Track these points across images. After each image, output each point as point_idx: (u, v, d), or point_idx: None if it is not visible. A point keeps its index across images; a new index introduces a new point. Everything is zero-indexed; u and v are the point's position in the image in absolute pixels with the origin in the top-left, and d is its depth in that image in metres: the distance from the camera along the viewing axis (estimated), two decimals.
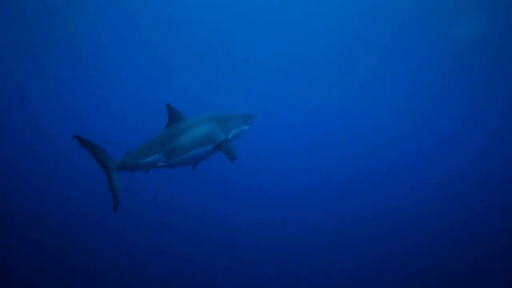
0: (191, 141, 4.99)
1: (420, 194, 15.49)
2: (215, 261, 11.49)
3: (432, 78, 22.18)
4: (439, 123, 21.00)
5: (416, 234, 13.18)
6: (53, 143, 15.50)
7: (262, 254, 11.88)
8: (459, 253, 12.11)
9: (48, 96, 19.60)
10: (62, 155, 14.41)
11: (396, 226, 13.54)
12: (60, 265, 10.33)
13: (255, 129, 6.20)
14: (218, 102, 19.32)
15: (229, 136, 5.35)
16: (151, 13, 21.92)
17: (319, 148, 19.01)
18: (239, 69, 24.15)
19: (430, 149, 19.24)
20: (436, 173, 16.90)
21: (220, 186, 14.75)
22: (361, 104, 22.36)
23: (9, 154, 15.40)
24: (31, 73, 20.12)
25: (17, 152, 15.61)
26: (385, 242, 12.79)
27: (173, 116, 5.19)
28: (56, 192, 13.41)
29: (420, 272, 11.43)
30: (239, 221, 13.26)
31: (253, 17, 23.93)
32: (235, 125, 5.50)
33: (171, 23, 23.17)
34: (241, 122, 5.64)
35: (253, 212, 13.67)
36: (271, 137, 17.86)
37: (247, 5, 23.07)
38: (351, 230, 13.39)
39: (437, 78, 22.11)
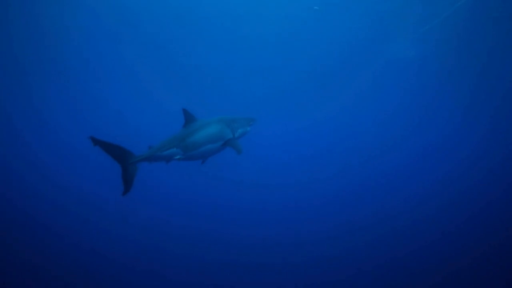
0: (205, 137, 6.02)
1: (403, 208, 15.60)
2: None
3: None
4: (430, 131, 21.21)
5: (413, 240, 13.32)
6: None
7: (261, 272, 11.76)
8: (460, 253, 12.24)
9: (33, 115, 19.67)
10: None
11: (391, 236, 13.68)
12: None
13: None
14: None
15: (235, 135, 6.34)
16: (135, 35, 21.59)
17: (307, 164, 19.00)
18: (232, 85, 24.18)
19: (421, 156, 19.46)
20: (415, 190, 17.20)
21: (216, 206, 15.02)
22: (353, 116, 22.47)
23: None
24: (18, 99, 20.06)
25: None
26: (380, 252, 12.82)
27: (188, 118, 6.32)
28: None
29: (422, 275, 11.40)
30: (234, 239, 13.28)
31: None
32: (240, 126, 6.47)
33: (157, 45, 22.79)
34: (244, 124, 6.58)
35: (254, 230, 13.74)
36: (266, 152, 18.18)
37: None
38: (345, 240, 13.58)
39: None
